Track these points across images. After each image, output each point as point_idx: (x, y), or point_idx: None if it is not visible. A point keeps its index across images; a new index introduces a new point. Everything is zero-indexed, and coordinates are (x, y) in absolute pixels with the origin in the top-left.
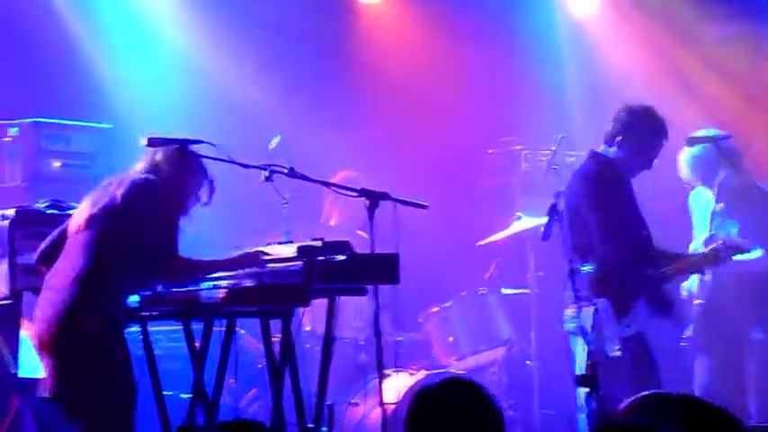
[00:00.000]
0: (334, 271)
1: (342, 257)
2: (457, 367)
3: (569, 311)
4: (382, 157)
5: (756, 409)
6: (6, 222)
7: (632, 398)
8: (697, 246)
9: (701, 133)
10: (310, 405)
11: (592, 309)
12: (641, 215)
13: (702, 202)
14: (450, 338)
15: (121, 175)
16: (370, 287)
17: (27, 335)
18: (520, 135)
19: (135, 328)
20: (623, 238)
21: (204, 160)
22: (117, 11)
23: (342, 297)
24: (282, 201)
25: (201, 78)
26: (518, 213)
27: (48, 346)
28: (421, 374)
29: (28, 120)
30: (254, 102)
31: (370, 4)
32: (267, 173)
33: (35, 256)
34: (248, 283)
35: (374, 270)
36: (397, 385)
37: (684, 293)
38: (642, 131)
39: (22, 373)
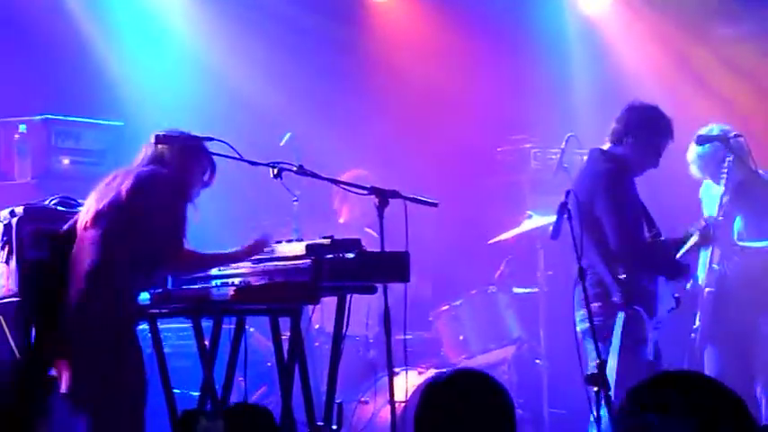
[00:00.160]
0: (344, 269)
1: (351, 255)
2: (466, 366)
3: (582, 312)
4: (392, 155)
5: (766, 398)
6: (15, 219)
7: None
8: None
9: (709, 130)
10: (320, 403)
11: (623, 315)
12: (647, 212)
13: (712, 193)
14: (461, 337)
15: (126, 168)
16: (379, 285)
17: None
18: (530, 133)
19: (144, 326)
20: (638, 240)
21: (216, 160)
22: (128, 8)
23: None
24: (292, 198)
25: (212, 76)
26: (528, 212)
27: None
28: (430, 373)
29: (38, 117)
30: (265, 99)
31: (380, 1)
32: (276, 170)
33: (44, 253)
34: (258, 280)
35: (384, 268)
36: (406, 383)
37: (688, 285)
38: (649, 131)
39: None
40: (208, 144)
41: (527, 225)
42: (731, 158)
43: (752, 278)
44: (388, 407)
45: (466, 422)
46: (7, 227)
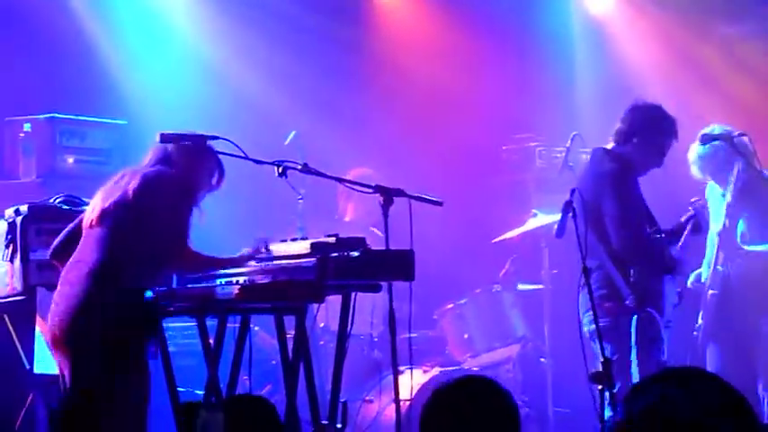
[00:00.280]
0: (349, 267)
1: (356, 254)
2: (471, 364)
3: (590, 314)
4: (397, 154)
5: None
6: (20, 218)
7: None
8: (711, 237)
9: (711, 130)
10: (324, 402)
11: (635, 318)
12: (650, 211)
13: (717, 194)
14: (465, 335)
15: (134, 167)
16: (384, 284)
17: (41, 331)
18: (535, 132)
19: None
20: (641, 238)
21: (220, 158)
22: (132, 7)
23: (357, 294)
24: (297, 197)
25: (216, 75)
26: (533, 210)
27: (61, 341)
28: (435, 371)
29: (43, 115)
30: (269, 98)
31: (385, 0)
32: (281, 169)
33: (49, 251)
34: (262, 279)
35: (389, 266)
36: (411, 382)
37: (690, 283)
38: (653, 131)
39: (36, 369)
40: (213, 143)
41: (532, 224)
42: (740, 165)
43: (755, 279)
44: (393, 405)
45: (471, 427)
46: (12, 225)
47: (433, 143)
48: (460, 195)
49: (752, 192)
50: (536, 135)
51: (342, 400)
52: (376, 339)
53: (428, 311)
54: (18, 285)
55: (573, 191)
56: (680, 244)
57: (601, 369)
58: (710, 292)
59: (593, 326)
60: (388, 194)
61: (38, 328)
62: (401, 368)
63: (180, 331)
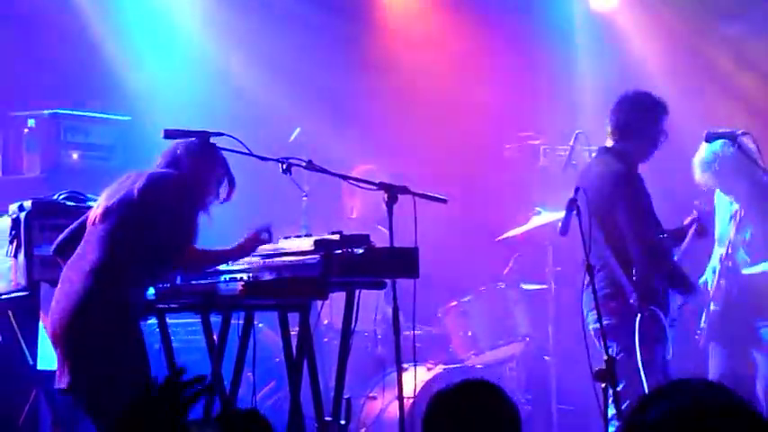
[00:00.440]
0: (353, 264)
1: (360, 251)
2: (475, 362)
3: (594, 313)
4: (401, 152)
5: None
6: (24, 214)
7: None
8: (717, 244)
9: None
10: (328, 398)
11: (639, 317)
12: (653, 210)
13: (725, 201)
14: (469, 333)
15: (142, 169)
16: (389, 281)
17: (44, 326)
18: (538, 130)
19: (153, 321)
20: (654, 240)
21: (225, 155)
22: (136, 4)
23: (361, 291)
24: (302, 194)
25: (220, 71)
26: (537, 208)
27: (62, 338)
28: (439, 369)
29: (47, 111)
30: (273, 95)
31: None
32: (285, 165)
33: (53, 247)
34: (266, 276)
35: (393, 264)
36: (415, 379)
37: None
38: (648, 121)
39: (39, 365)
40: (217, 139)
41: (536, 222)
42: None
43: (756, 291)
44: (397, 402)
45: (473, 430)
46: (16, 221)
47: (438, 141)
48: (464, 193)
49: (759, 205)
50: (539, 133)
51: (345, 397)
52: (380, 336)
53: (432, 309)
54: (22, 281)
55: (577, 189)
56: (682, 247)
57: (604, 367)
58: (713, 306)
59: (598, 324)
60: (393, 192)
61: (41, 324)
62: (405, 365)
63: (184, 327)
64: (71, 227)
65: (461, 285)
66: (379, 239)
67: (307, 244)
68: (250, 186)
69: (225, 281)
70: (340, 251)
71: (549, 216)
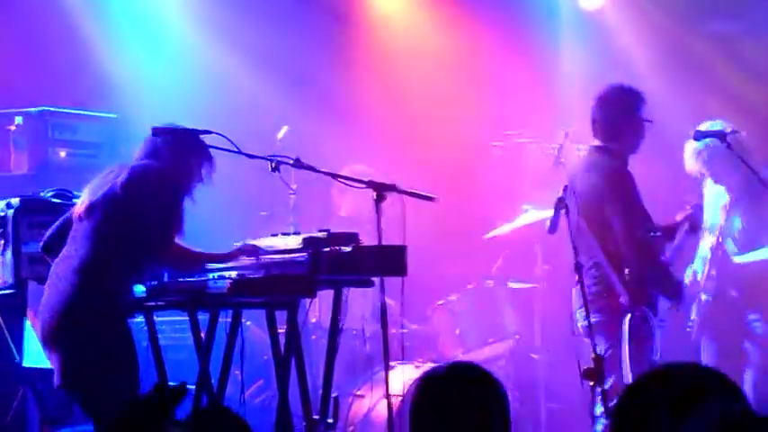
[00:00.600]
0: (341, 262)
1: (348, 249)
2: (463, 360)
3: (583, 310)
4: (389, 150)
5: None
6: (11, 211)
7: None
8: (706, 234)
9: (713, 125)
10: (316, 397)
11: (628, 316)
12: (646, 208)
13: (714, 192)
14: (457, 331)
15: (123, 162)
16: (376, 279)
17: (32, 324)
18: (526, 128)
19: (140, 319)
20: (645, 240)
21: (213, 153)
22: (124, 1)
23: (350, 289)
24: (289, 192)
25: (208, 68)
26: (525, 206)
27: (51, 335)
28: (427, 367)
29: (35, 109)
30: (261, 92)
31: None
32: (274, 163)
33: (40, 244)
34: (254, 273)
35: (381, 262)
36: (403, 377)
37: (687, 280)
38: (631, 114)
39: (26, 363)
40: (206, 137)
41: (524, 220)
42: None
43: (746, 282)
44: (385, 401)
45: (460, 413)
46: (3, 218)
47: (425, 138)
48: (453, 191)
49: (748, 195)
50: (528, 131)
51: (333, 395)
52: (368, 335)
53: (420, 307)
54: (9, 278)
55: (565, 187)
56: (675, 243)
57: (592, 366)
58: (704, 296)
59: (587, 321)
60: (381, 190)
61: (28, 322)
62: (393, 363)
63: (171, 325)
64: (56, 223)
65: (450, 284)
66: (368, 237)
67: (295, 242)
68: (238, 184)
69: (213, 278)
70: (328, 249)
71: (537, 214)
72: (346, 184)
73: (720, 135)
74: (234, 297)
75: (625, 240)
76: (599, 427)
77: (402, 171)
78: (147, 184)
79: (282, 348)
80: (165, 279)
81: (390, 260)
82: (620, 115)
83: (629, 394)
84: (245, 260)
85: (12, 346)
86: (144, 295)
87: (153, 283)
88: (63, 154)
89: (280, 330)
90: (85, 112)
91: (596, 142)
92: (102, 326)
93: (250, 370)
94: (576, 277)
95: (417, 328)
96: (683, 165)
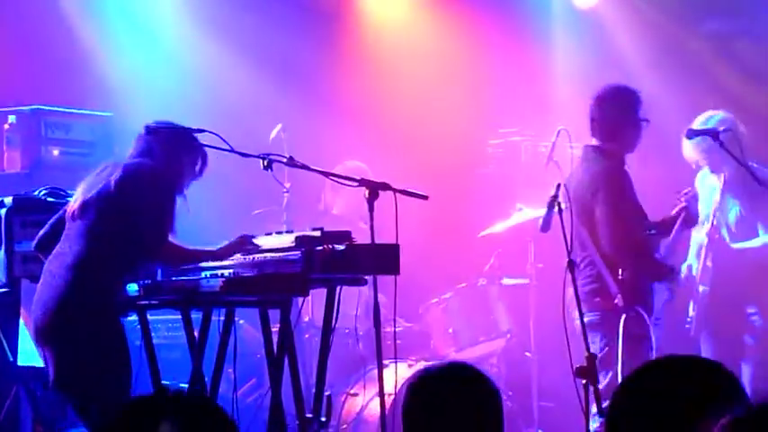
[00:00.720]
0: (334, 261)
1: (341, 247)
2: (456, 358)
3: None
4: (383, 149)
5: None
6: (4, 210)
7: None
8: (700, 227)
9: (715, 116)
10: (309, 395)
11: (624, 317)
12: (641, 206)
13: (707, 185)
14: (450, 329)
15: (116, 160)
16: (369, 277)
17: (25, 323)
18: (520, 126)
19: (133, 317)
20: (639, 242)
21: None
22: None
23: (343, 287)
24: (282, 190)
25: (201, 67)
26: (518, 205)
27: (43, 333)
28: (420, 365)
29: (28, 107)
30: (255, 91)
31: None
32: (267, 162)
33: (34, 243)
34: (247, 272)
35: (374, 260)
36: (395, 376)
37: (683, 275)
38: (629, 114)
39: (20, 361)
40: (199, 136)
41: (517, 218)
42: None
43: (744, 273)
44: (377, 399)
45: (453, 412)
46: None
47: (418, 137)
48: (446, 189)
49: (742, 186)
50: (521, 130)
51: (326, 394)
52: (361, 333)
53: (413, 305)
54: (2, 277)
55: (558, 186)
56: (671, 237)
57: (585, 364)
58: (701, 288)
59: (586, 318)
60: (374, 188)
61: (22, 321)
62: (386, 362)
63: (165, 324)
64: (50, 222)
65: (442, 282)
66: (361, 236)
67: (288, 240)
68: (231, 182)
69: (206, 277)
70: (321, 247)
71: (530, 212)
72: (339, 183)
73: (713, 133)
74: (227, 295)
75: (612, 240)
76: (594, 425)
77: (395, 169)
78: (140, 182)
79: (275, 347)
80: (159, 278)
81: (383, 258)
82: (618, 115)
83: (624, 391)
84: (239, 257)
85: (5, 344)
86: (137, 294)
87: (146, 281)
88: (56, 152)
89: (273, 329)
90: (79, 111)
91: (593, 141)
92: (94, 324)
93: (243, 368)
94: (569, 276)
95: (410, 327)
96: (677, 163)
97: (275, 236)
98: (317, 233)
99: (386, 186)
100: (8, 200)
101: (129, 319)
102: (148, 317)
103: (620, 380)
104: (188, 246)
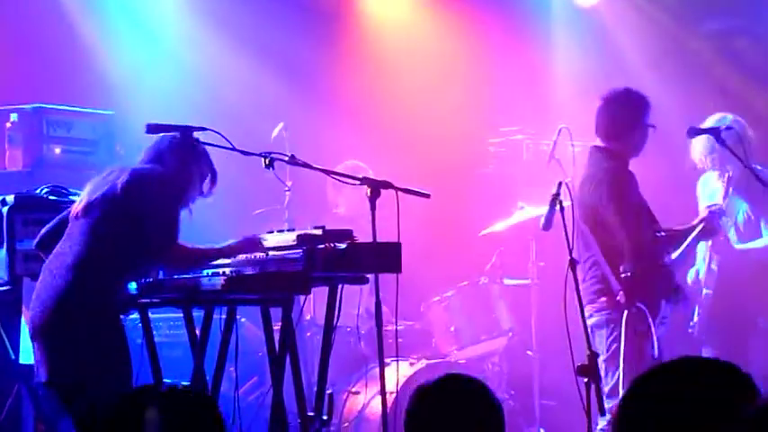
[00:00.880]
0: (336, 259)
1: (343, 246)
2: (457, 357)
3: (589, 307)
4: (384, 148)
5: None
6: (6, 208)
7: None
8: None
9: (723, 118)
10: (311, 393)
11: (626, 313)
12: (648, 207)
13: (710, 188)
14: (452, 328)
15: (125, 164)
16: (371, 276)
17: (26, 321)
18: (521, 125)
19: (135, 315)
20: (646, 240)
21: (208, 149)
22: None
23: (344, 285)
24: (284, 188)
25: (203, 65)
26: (520, 203)
27: (42, 331)
28: (422, 364)
29: (30, 105)
30: (256, 89)
31: None
32: (268, 160)
33: (35, 241)
34: (249, 270)
35: (376, 259)
36: (397, 374)
37: (690, 281)
38: (636, 118)
39: (22, 359)
40: (200, 134)
41: (519, 216)
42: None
43: (749, 276)
44: (379, 397)
45: (454, 426)
46: None
47: (420, 136)
48: (447, 188)
49: (746, 188)
50: (522, 128)
51: (328, 392)
52: (363, 332)
53: (415, 304)
54: (4, 275)
55: (560, 184)
56: (682, 248)
57: (587, 362)
58: (705, 291)
59: (594, 319)
60: (376, 186)
61: (23, 319)
62: (387, 360)
63: (166, 322)
64: (53, 221)
65: (444, 280)
66: (363, 234)
67: (290, 238)
68: (233, 180)
69: (207, 275)
70: (323, 246)
71: (531, 211)
72: (341, 181)
73: (715, 132)
74: (228, 294)
75: (620, 240)
76: (602, 423)
77: (396, 168)
78: (147, 186)
79: (277, 345)
80: (160, 276)
81: (385, 257)
82: (626, 118)
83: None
84: (241, 255)
85: (7, 342)
86: (138, 292)
87: (147, 279)
88: (58, 151)
89: (275, 327)
90: (81, 109)
91: (598, 142)
92: (94, 323)
93: (245, 367)
94: (580, 275)
95: (412, 325)
96: (677, 163)
97: (277, 234)
98: (319, 231)
99: (387, 185)
100: (10, 198)
101: (131, 317)
102: (150, 315)
103: (622, 376)
104: (197, 245)
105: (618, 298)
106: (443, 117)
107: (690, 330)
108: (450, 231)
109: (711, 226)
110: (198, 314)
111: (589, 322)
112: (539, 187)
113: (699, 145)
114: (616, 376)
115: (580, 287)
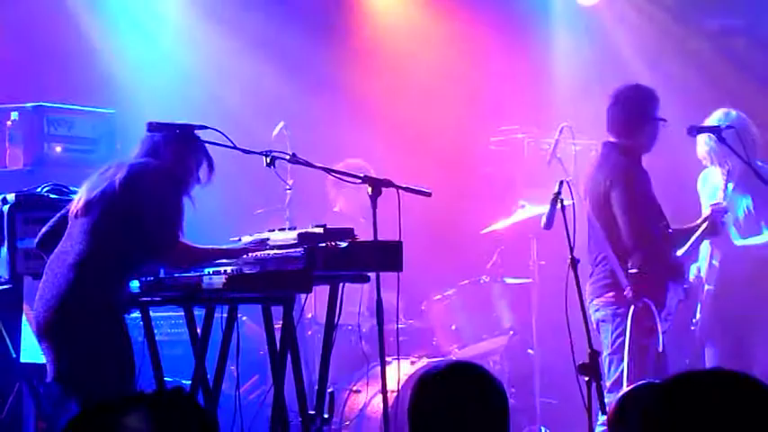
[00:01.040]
0: (337, 257)
1: (344, 244)
2: (458, 355)
3: (594, 303)
4: (385, 147)
5: None
6: (7, 207)
7: None
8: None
9: (725, 114)
10: (312, 392)
11: (632, 309)
12: (659, 204)
13: (711, 184)
14: (453, 326)
15: (121, 159)
16: (372, 274)
17: (27, 320)
18: (523, 123)
19: (136, 314)
20: (654, 236)
21: (208, 148)
22: None
23: (345, 284)
24: (285, 187)
25: (205, 65)
26: (521, 202)
27: (45, 330)
28: (423, 362)
29: (31, 104)
30: (258, 87)
31: None
32: (269, 158)
33: (36, 240)
34: (250, 269)
35: (377, 257)
36: (398, 373)
37: (692, 277)
38: (646, 114)
39: (23, 358)
40: (201, 132)
41: (520, 215)
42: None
43: (751, 271)
44: (380, 396)
45: (459, 413)
46: None
47: (421, 135)
48: (449, 186)
49: (748, 184)
50: (524, 126)
51: (329, 391)
52: (364, 330)
53: (416, 302)
54: (5, 274)
55: (561, 182)
56: (687, 245)
57: (588, 361)
58: (707, 287)
59: (600, 314)
60: (377, 185)
61: (24, 317)
62: (388, 359)
63: (167, 321)
64: (52, 220)
65: (445, 279)
66: (364, 233)
67: (291, 237)
68: (234, 179)
69: (208, 274)
70: (324, 244)
71: (532, 210)
72: (342, 180)
73: (715, 130)
74: (230, 292)
75: (629, 235)
76: (601, 426)
77: (397, 167)
78: (145, 181)
79: (278, 344)
80: (161, 274)
81: (386, 255)
82: (636, 114)
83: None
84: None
85: (8, 341)
86: (140, 291)
87: (149, 278)
88: (59, 149)
89: (276, 326)
90: (82, 108)
91: (609, 138)
92: (96, 321)
93: (246, 365)
94: (589, 271)
95: (413, 324)
96: (677, 162)
97: (278, 232)
98: (320, 230)
99: (388, 183)
100: (11, 196)
101: (132, 315)
102: (151, 313)
103: (626, 371)
104: (200, 245)
105: (625, 293)
106: (444, 116)
107: (692, 328)
108: (451, 230)
109: (715, 225)
110: (199, 313)
111: (596, 316)
112: (540, 186)
113: (701, 142)
114: (619, 370)
115: (585, 284)
